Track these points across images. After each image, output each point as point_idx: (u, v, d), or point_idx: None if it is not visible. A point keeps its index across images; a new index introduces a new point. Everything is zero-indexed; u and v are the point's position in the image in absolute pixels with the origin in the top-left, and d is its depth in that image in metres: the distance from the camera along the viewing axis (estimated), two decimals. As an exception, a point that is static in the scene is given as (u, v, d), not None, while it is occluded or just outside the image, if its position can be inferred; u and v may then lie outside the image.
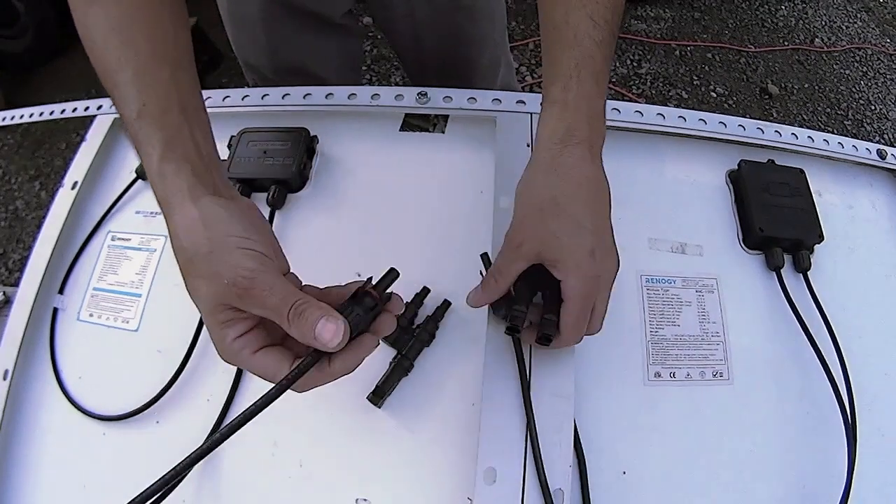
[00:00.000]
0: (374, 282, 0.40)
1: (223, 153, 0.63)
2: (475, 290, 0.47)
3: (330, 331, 0.34)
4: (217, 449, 0.51)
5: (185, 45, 0.43)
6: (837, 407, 0.50)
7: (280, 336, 0.39)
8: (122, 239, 0.64)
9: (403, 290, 0.55)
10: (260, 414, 0.53)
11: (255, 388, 0.54)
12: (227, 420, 0.53)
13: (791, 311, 0.55)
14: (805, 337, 0.54)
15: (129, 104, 0.38)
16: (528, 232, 0.44)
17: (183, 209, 0.37)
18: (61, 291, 0.63)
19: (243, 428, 0.52)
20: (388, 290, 0.41)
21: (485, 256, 0.53)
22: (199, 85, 0.43)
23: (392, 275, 0.41)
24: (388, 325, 0.41)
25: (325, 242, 0.61)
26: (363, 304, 0.39)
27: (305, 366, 0.36)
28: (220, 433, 0.35)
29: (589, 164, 0.45)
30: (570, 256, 0.42)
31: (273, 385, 0.36)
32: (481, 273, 0.51)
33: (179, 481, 0.34)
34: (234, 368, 0.54)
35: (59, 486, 0.54)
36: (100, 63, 0.40)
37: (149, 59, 0.39)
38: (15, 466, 0.56)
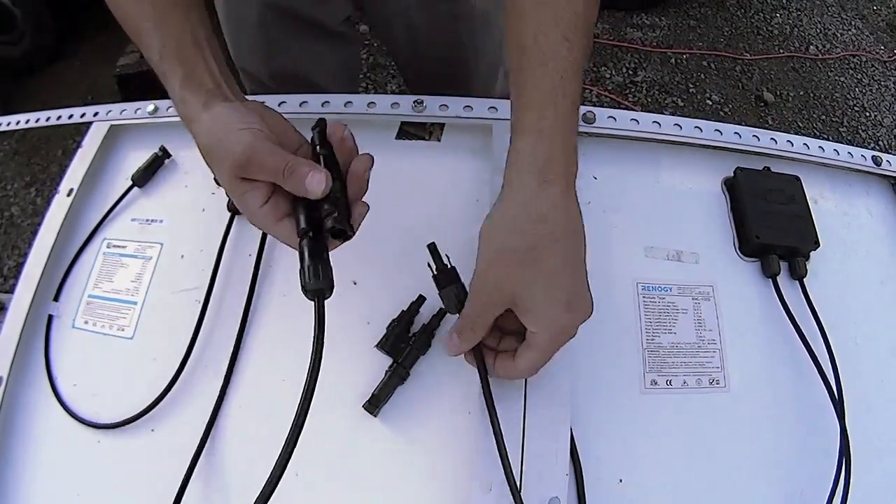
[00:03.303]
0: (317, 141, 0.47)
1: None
2: (451, 340, 0.46)
3: (317, 179, 0.41)
4: (213, 456, 0.52)
5: None
6: (834, 413, 0.51)
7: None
8: (118, 246, 0.64)
9: (400, 297, 0.55)
10: (256, 422, 0.53)
11: (256, 400, 0.54)
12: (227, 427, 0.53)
13: (787, 319, 0.55)
14: (801, 344, 0.54)
15: (153, 50, 0.47)
16: (501, 279, 0.43)
17: (200, 119, 0.44)
18: (56, 299, 0.62)
19: (240, 436, 0.53)
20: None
21: (432, 247, 0.50)
22: (207, 17, 0.50)
23: (321, 124, 0.47)
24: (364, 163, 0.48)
25: (321, 250, 0.60)
26: (329, 158, 0.46)
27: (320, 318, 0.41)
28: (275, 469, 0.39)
29: (567, 204, 0.44)
30: (544, 310, 0.42)
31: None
32: (429, 265, 0.49)
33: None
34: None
35: (54, 494, 0.54)
36: (126, 20, 0.48)
37: (164, 8, 0.47)
38: (9, 474, 0.55)
